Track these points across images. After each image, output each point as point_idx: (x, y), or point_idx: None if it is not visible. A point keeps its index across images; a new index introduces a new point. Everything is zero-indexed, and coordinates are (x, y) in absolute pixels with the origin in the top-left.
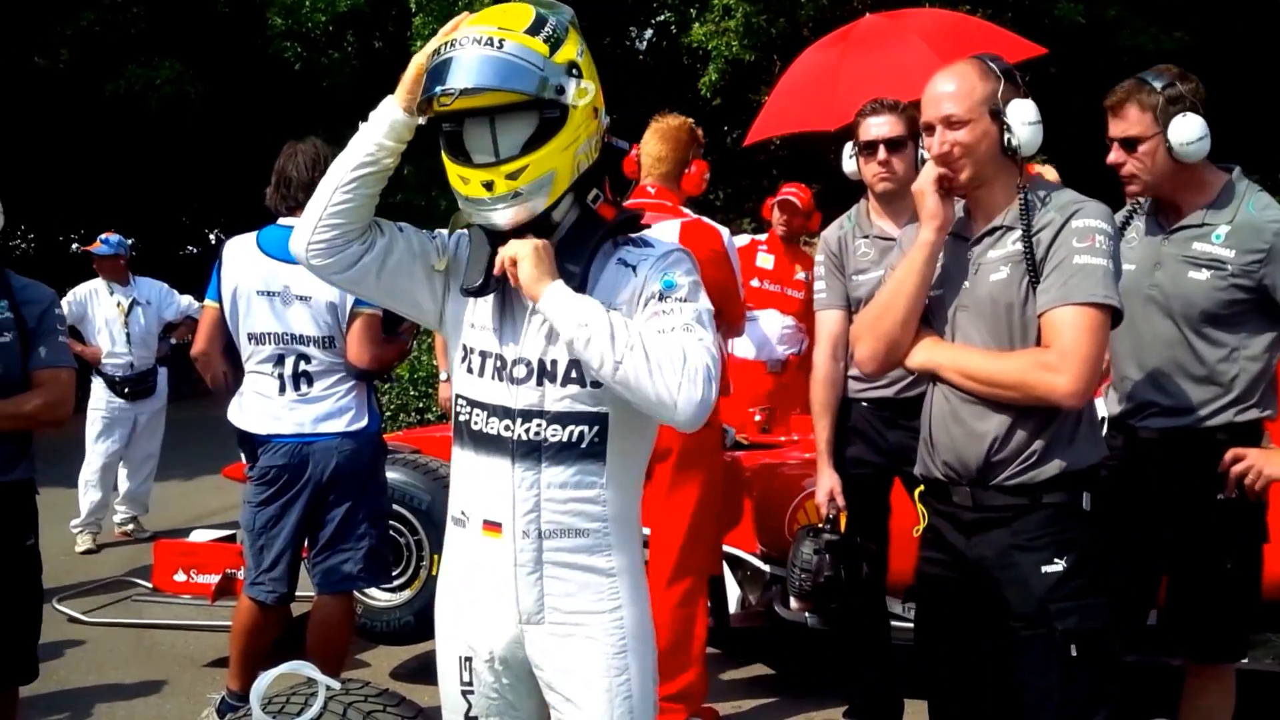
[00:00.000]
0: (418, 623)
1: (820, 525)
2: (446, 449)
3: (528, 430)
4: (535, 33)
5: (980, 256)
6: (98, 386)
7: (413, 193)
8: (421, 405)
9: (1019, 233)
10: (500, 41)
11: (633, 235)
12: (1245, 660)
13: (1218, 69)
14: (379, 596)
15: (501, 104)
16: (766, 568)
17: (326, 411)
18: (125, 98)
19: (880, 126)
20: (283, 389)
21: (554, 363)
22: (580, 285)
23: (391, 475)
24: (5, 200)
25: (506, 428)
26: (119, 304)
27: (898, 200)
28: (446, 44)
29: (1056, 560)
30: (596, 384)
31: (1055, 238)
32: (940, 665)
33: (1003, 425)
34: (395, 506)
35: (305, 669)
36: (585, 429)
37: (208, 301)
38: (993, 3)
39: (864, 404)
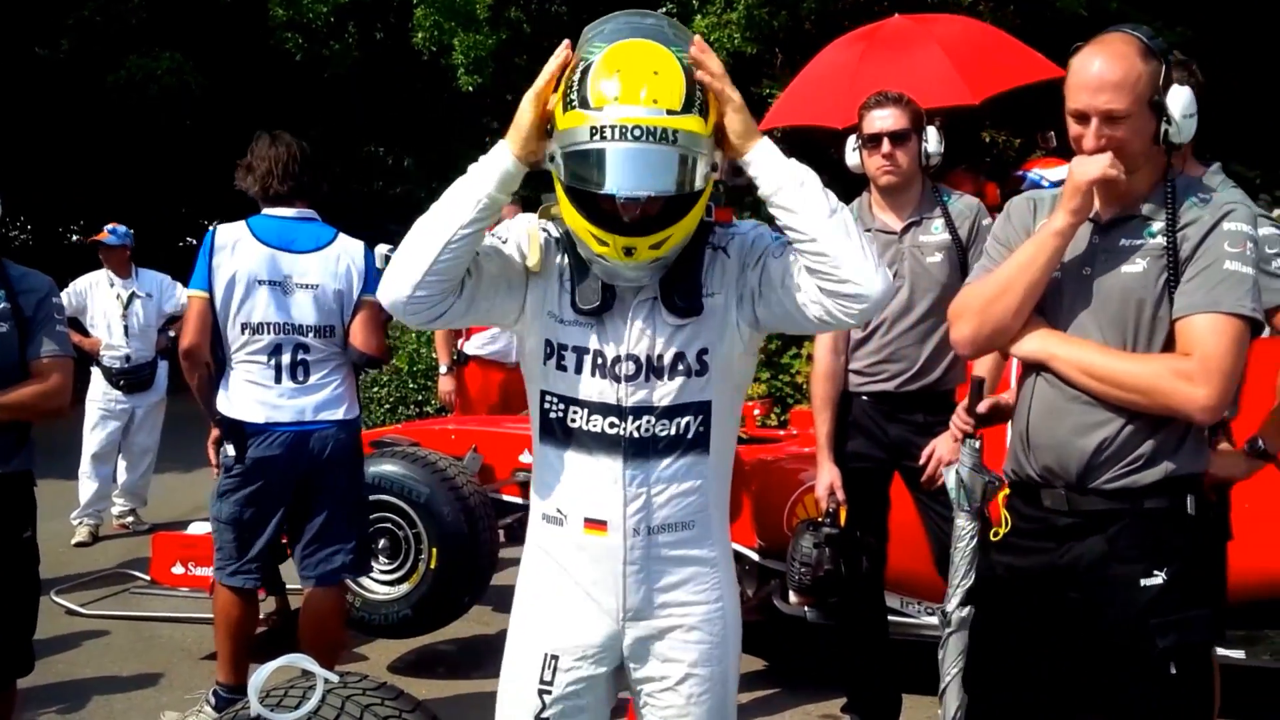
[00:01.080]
0: (415, 615)
1: (820, 519)
2: (444, 442)
3: (639, 427)
4: (690, 106)
5: (1110, 245)
6: (96, 378)
7: (415, 184)
8: (420, 398)
9: (1161, 225)
10: (674, 135)
11: (720, 229)
12: (1243, 655)
13: (1220, 63)
14: (377, 590)
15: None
16: (763, 561)
17: (324, 400)
18: (126, 88)
19: (885, 119)
20: (279, 378)
21: (660, 357)
22: (696, 288)
23: (390, 468)
24: (4, 191)
25: (612, 425)
26: (118, 296)
27: (900, 193)
28: (613, 128)
29: (1156, 573)
30: (702, 372)
31: (1205, 237)
32: (1001, 677)
33: (1115, 426)
34: (394, 499)
35: (303, 662)
36: (692, 419)
37: (194, 291)
38: None
39: (864, 398)
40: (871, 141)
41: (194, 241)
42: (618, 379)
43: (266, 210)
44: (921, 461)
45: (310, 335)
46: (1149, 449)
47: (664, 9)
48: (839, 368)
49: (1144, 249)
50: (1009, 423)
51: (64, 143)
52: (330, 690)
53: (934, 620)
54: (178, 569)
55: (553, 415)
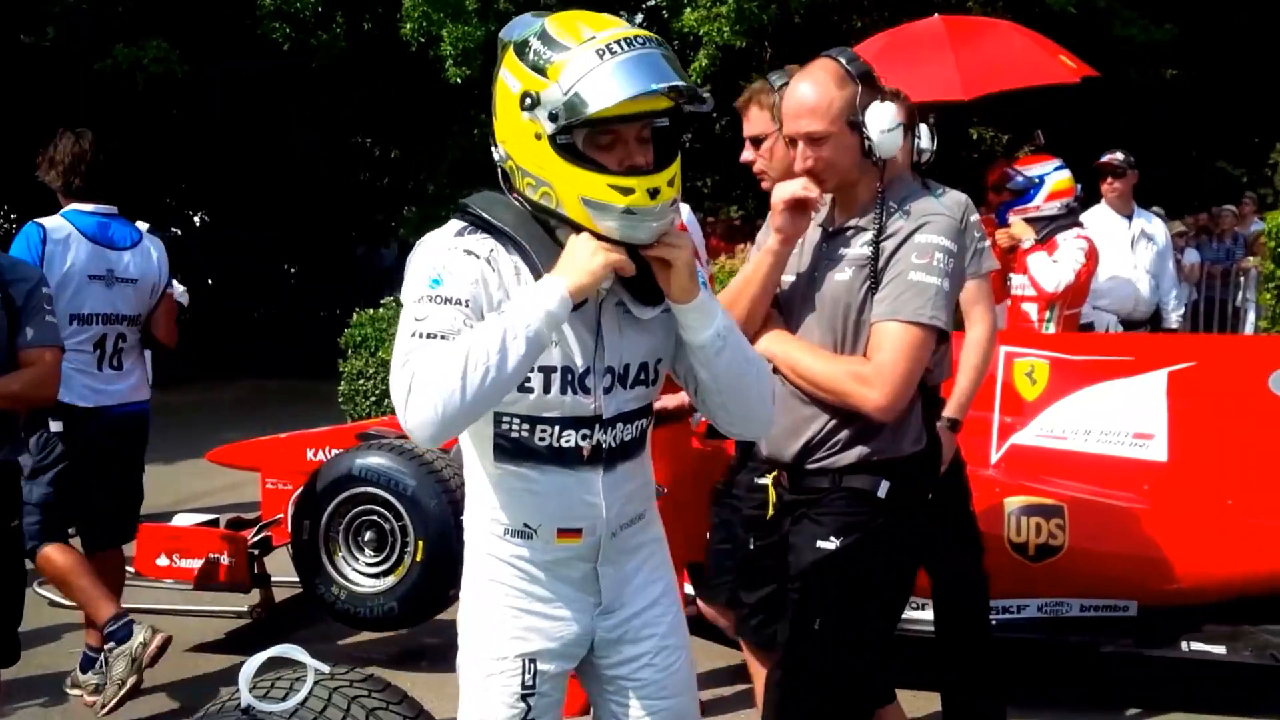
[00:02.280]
0: (401, 608)
1: None
2: None
3: (614, 436)
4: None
5: (831, 253)
6: None
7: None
8: None
9: (870, 235)
10: (659, 41)
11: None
12: (1224, 651)
13: (1207, 60)
14: (362, 583)
15: (662, 110)
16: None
17: (135, 382)
18: (113, 77)
19: None
20: (100, 364)
21: (626, 366)
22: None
23: (376, 460)
24: None
25: (585, 436)
26: None
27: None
28: (618, 41)
29: (833, 539)
30: (655, 380)
31: (898, 249)
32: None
33: (824, 417)
34: (380, 492)
35: (294, 653)
36: (643, 422)
37: None
38: None
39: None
40: None
41: (179, 232)
42: (589, 391)
43: (73, 205)
44: None
45: (126, 325)
46: (847, 434)
47: (652, 2)
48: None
49: (851, 258)
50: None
51: (49, 131)
52: (318, 681)
53: (920, 615)
54: (162, 561)
55: (515, 435)
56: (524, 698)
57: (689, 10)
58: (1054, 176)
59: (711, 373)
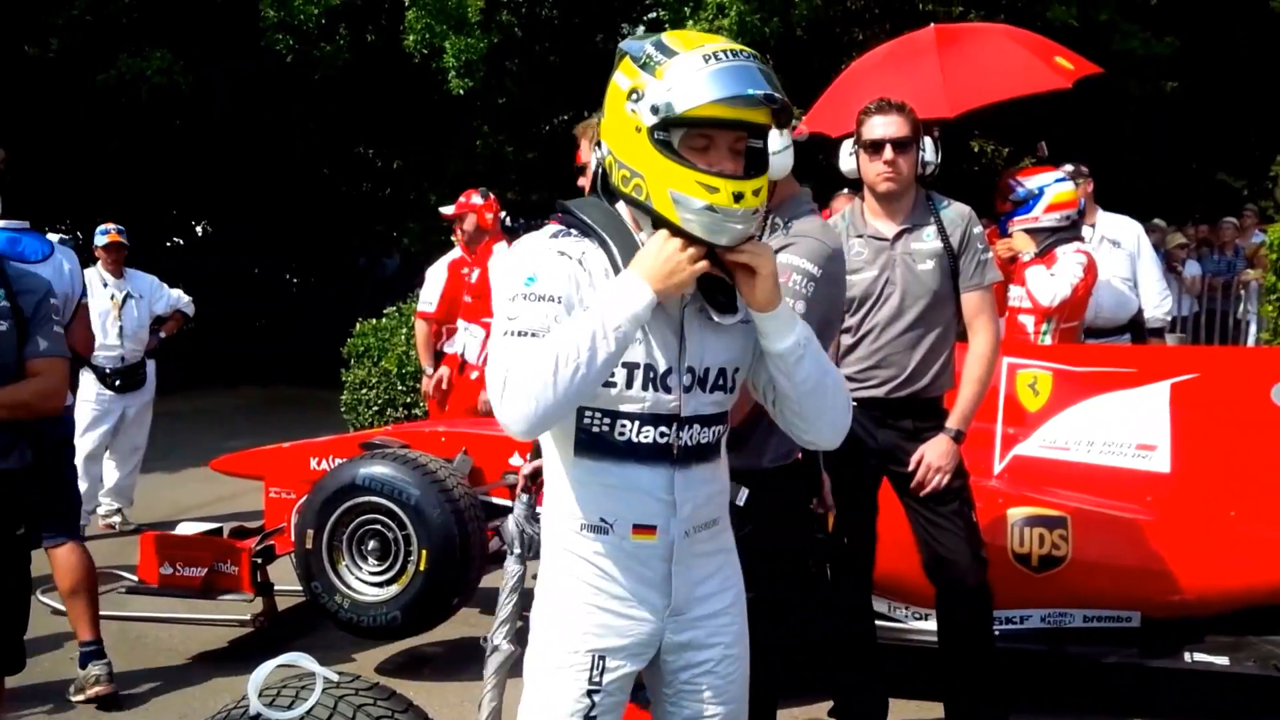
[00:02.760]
0: (404, 617)
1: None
2: (434, 444)
3: (690, 436)
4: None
5: None
6: (87, 378)
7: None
8: (409, 400)
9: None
10: (765, 62)
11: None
12: (1227, 662)
13: (1208, 73)
14: (366, 591)
15: (757, 123)
16: None
17: None
18: (116, 88)
19: (888, 126)
20: None
21: (707, 370)
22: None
23: (380, 470)
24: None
25: (663, 434)
26: (112, 297)
27: (896, 200)
28: (723, 52)
29: None
30: (731, 389)
31: None
32: None
33: None
34: (384, 501)
35: (303, 660)
36: (720, 428)
37: None
38: (987, 4)
39: (854, 403)
40: (873, 148)
41: (181, 242)
42: (670, 389)
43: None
44: (910, 467)
45: None
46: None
47: (654, 15)
48: None
49: None
50: None
51: (53, 142)
52: (324, 690)
53: (922, 625)
54: (166, 569)
55: (596, 430)
56: (590, 693)
57: (691, 23)
58: (1054, 188)
59: (791, 381)
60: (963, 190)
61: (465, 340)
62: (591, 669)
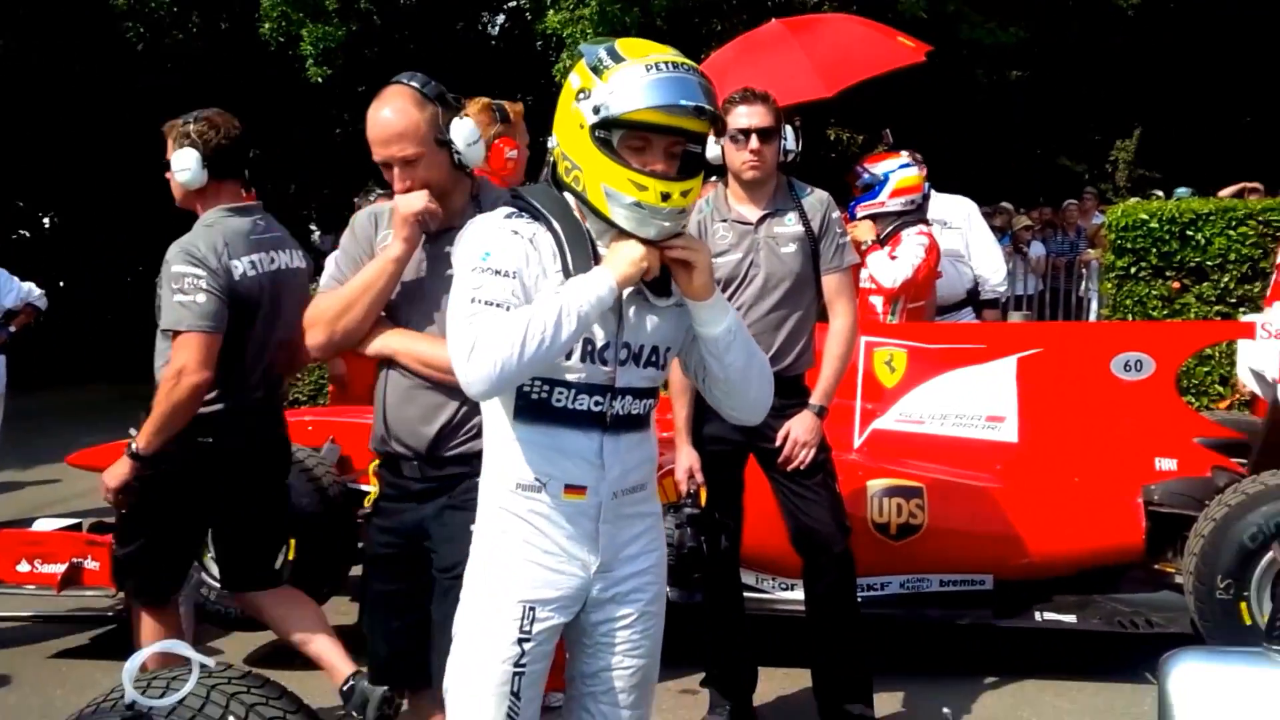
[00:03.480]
0: None
1: (681, 500)
2: (301, 433)
3: (622, 405)
4: None
5: (437, 252)
6: None
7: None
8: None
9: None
10: (706, 78)
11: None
12: (1074, 620)
13: (1051, 62)
14: None
15: (693, 130)
16: None
17: None
18: None
19: (753, 115)
20: None
21: (641, 347)
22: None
23: None
24: None
25: (598, 403)
26: None
27: (760, 187)
28: (665, 63)
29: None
30: (663, 366)
31: None
32: (392, 620)
33: (454, 406)
34: None
35: (180, 648)
36: (650, 401)
37: None
38: None
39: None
40: (739, 136)
41: (28, 235)
42: (606, 362)
43: None
44: (777, 443)
45: None
46: (479, 421)
47: (515, 3)
48: None
49: (449, 257)
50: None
51: None
52: (199, 679)
53: (790, 595)
54: (23, 566)
55: (535, 396)
56: (520, 641)
57: (552, 12)
58: (899, 174)
59: (721, 364)
60: (820, 176)
61: None
62: (523, 619)
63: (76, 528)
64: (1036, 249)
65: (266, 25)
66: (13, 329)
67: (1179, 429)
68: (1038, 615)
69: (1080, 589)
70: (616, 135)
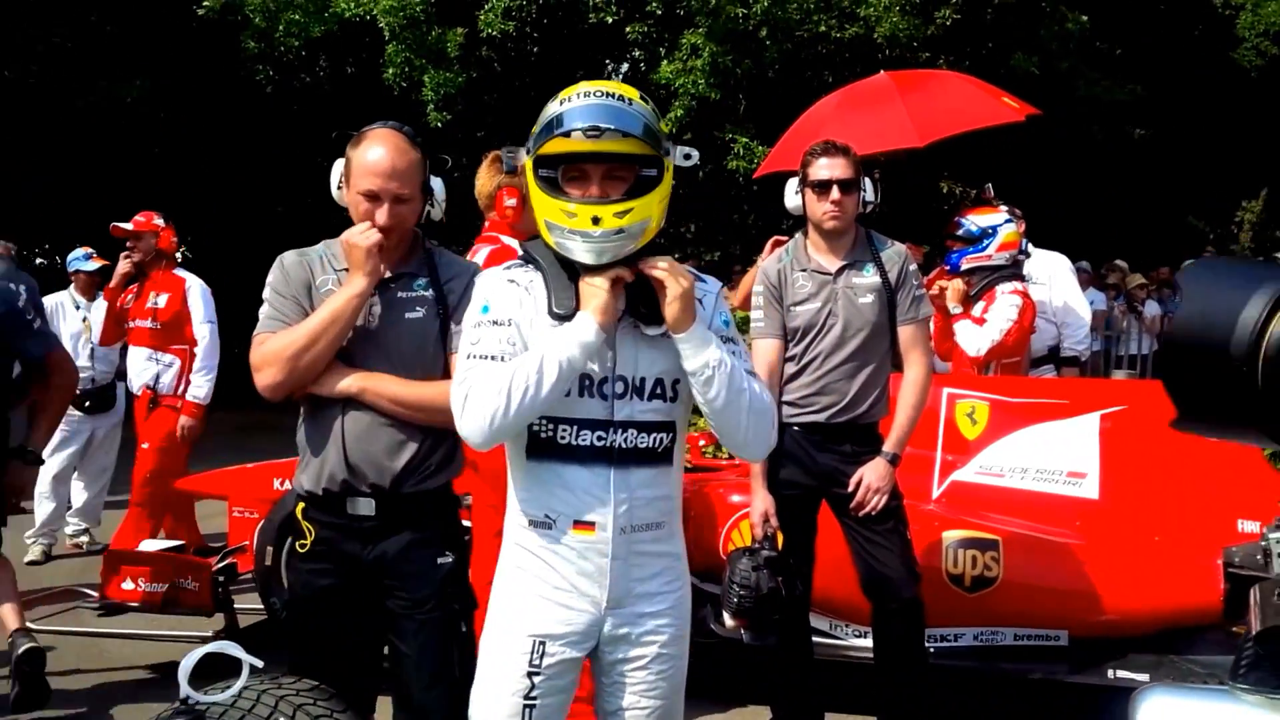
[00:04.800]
0: None
1: (757, 544)
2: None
3: (625, 439)
4: (646, 102)
5: (391, 298)
6: None
7: None
8: None
9: (426, 280)
10: (629, 100)
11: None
12: (1148, 679)
13: (1174, 119)
14: None
15: (620, 152)
16: (700, 584)
17: None
18: (95, 113)
19: (835, 168)
20: None
21: (643, 380)
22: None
23: None
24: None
25: (600, 438)
26: (84, 319)
27: (840, 237)
28: (580, 93)
29: (448, 554)
30: (674, 399)
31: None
32: (325, 660)
33: (416, 442)
34: None
35: (230, 648)
36: (663, 435)
37: None
38: (953, 51)
39: (796, 428)
40: (821, 187)
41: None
42: (605, 397)
43: None
44: (850, 489)
45: None
46: (439, 458)
47: (632, 54)
48: (773, 399)
49: (419, 300)
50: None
51: (32, 166)
52: (252, 687)
53: (860, 641)
54: (128, 585)
55: (543, 435)
56: (529, 674)
57: (665, 63)
58: (1005, 228)
59: (702, 398)
60: (931, 227)
61: (157, 370)
62: (532, 653)
63: (180, 549)
64: (1152, 308)
65: (390, 70)
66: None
67: (1263, 490)
68: (1111, 673)
69: (1156, 649)
70: (560, 172)
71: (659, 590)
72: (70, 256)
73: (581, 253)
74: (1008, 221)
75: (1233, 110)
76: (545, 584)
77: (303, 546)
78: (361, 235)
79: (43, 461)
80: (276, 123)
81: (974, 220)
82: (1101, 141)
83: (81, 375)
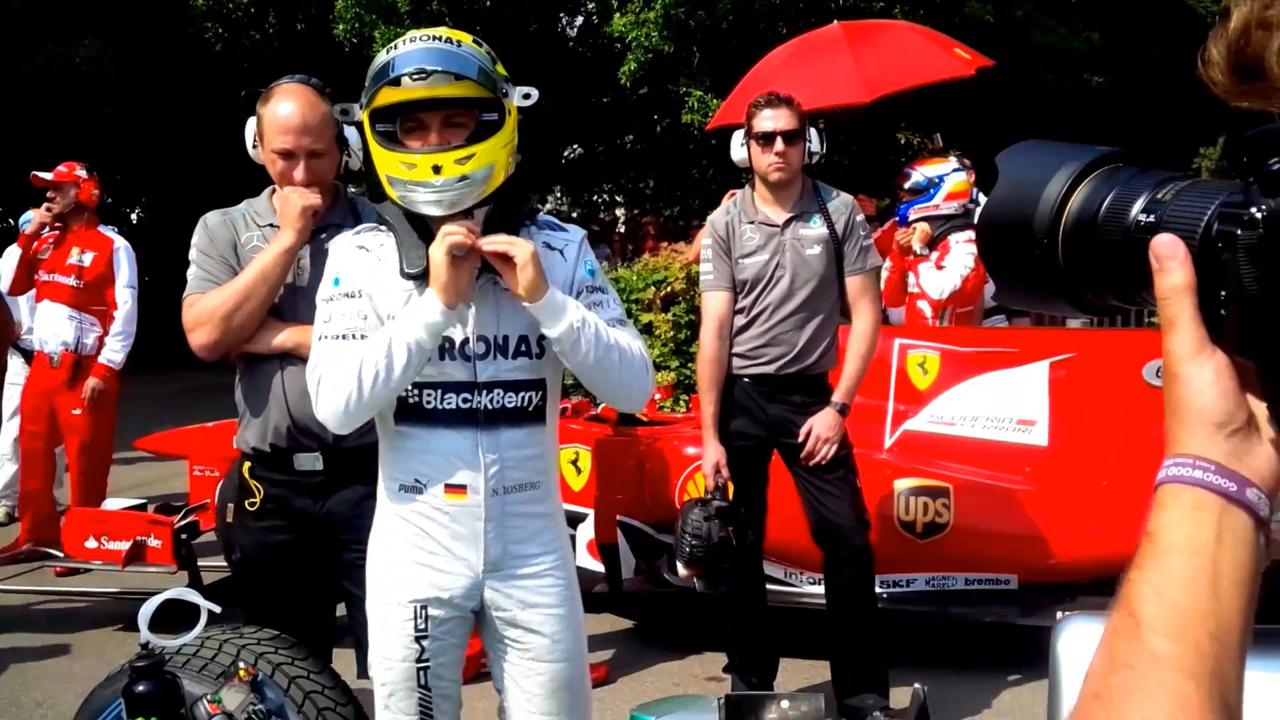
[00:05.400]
0: None
1: (708, 495)
2: None
3: (491, 400)
4: (479, 45)
5: (316, 249)
6: (14, 362)
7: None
8: None
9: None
10: (459, 42)
11: (540, 219)
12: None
13: (1127, 68)
14: None
15: (455, 97)
16: (657, 535)
17: None
18: (44, 74)
19: (778, 119)
20: None
21: (505, 338)
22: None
23: None
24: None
25: (465, 400)
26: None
27: (785, 189)
28: (405, 39)
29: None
30: (540, 355)
31: None
32: (281, 614)
33: None
34: None
35: (188, 595)
36: (532, 394)
37: None
38: (907, 1)
39: (746, 380)
40: (764, 139)
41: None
42: (469, 358)
43: None
44: (800, 439)
45: None
46: None
47: (586, 7)
48: (723, 352)
49: None
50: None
51: None
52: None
53: (813, 589)
54: (91, 543)
55: (409, 401)
56: (418, 639)
57: (618, 15)
58: (952, 178)
59: (571, 361)
60: (890, 180)
61: (78, 332)
62: (415, 618)
63: (141, 508)
64: None
65: (340, 27)
66: None
67: None
68: (1059, 615)
69: (1104, 592)
70: (397, 124)
71: (538, 551)
72: (22, 219)
73: (426, 205)
74: (956, 170)
75: (1189, 57)
76: (420, 550)
77: (252, 505)
78: (301, 194)
79: None
80: (226, 81)
81: (921, 171)
82: (1058, 90)
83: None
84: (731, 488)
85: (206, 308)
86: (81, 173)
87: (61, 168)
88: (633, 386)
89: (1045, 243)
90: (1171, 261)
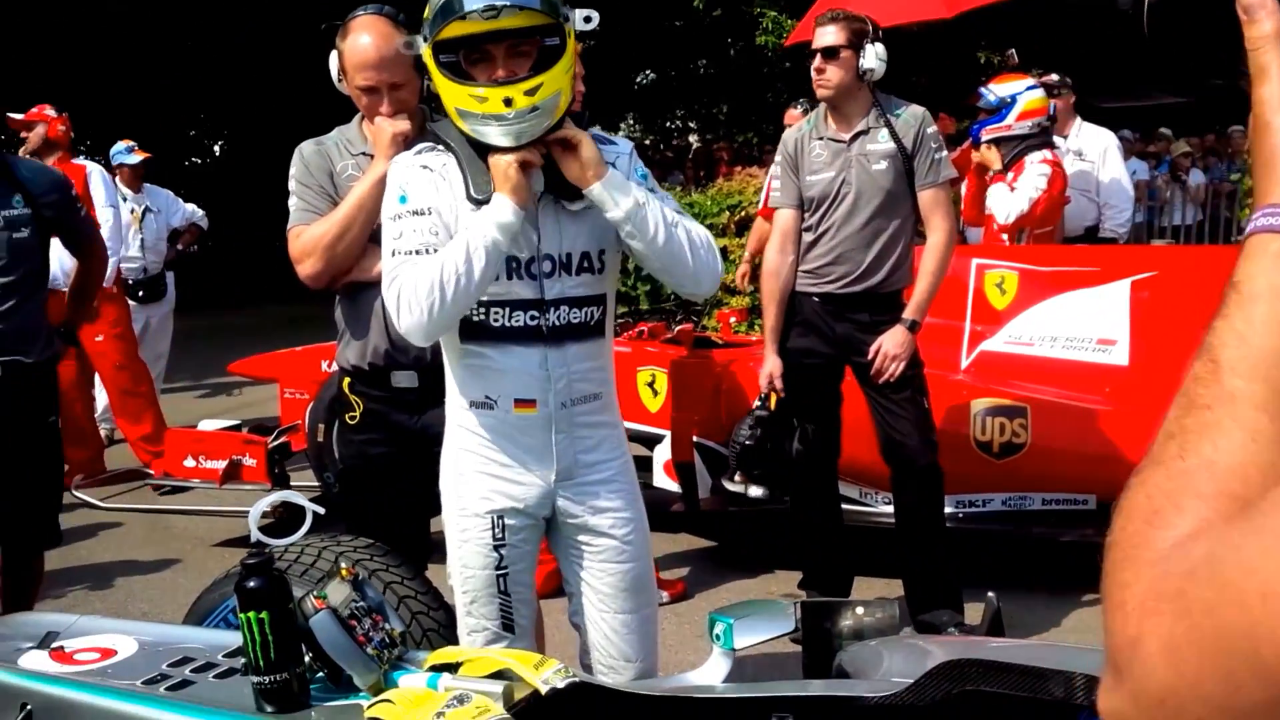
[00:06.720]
0: None
1: (756, 405)
2: None
3: (558, 316)
4: None
5: None
6: None
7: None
8: None
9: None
10: None
11: (591, 133)
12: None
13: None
14: None
15: (522, 26)
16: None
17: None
18: (128, 12)
19: (823, 36)
20: None
21: (569, 255)
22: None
23: None
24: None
25: (534, 317)
26: (132, 210)
27: (843, 106)
28: None
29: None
30: (601, 270)
31: None
32: (379, 526)
33: None
34: None
35: (295, 498)
36: (594, 309)
37: None
38: None
39: (814, 298)
40: (811, 56)
41: (200, 161)
42: (535, 276)
43: None
44: (870, 357)
45: None
46: None
47: None
48: (786, 265)
49: None
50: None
51: (69, 64)
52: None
53: (886, 508)
54: (189, 462)
55: (475, 319)
56: (496, 548)
57: None
58: (1026, 96)
59: (643, 242)
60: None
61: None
62: (493, 528)
63: (236, 429)
64: (1196, 177)
65: None
66: (179, 247)
67: None
68: None
69: None
70: (462, 56)
71: (604, 458)
72: (113, 150)
73: (498, 137)
74: (1031, 89)
75: None
76: (493, 463)
77: (352, 419)
78: (395, 123)
79: (77, 341)
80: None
81: (994, 89)
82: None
83: (134, 265)
84: (774, 399)
85: (310, 238)
86: (51, 111)
87: (33, 109)
88: (702, 268)
89: (1130, 15)
90: (1260, 11)
